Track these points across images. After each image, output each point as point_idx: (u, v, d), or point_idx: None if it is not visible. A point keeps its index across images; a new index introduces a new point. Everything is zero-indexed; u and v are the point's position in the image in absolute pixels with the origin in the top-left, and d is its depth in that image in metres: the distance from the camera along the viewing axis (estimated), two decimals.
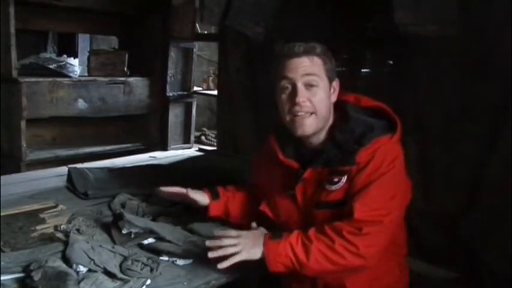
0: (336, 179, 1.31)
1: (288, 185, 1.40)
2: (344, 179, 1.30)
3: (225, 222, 1.57)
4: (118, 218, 1.51)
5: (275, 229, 1.46)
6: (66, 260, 1.29)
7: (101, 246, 1.35)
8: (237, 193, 1.59)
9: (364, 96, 1.40)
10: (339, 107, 1.38)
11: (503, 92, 1.76)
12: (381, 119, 1.34)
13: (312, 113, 1.32)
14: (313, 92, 1.31)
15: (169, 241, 1.43)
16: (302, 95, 1.30)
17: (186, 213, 1.69)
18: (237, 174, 2.05)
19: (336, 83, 1.36)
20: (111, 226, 1.51)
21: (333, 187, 1.31)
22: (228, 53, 2.90)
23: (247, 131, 2.81)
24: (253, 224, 1.41)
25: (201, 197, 1.55)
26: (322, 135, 1.37)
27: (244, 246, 1.28)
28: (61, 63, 3.05)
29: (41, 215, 1.63)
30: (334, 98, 1.37)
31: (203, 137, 4.33)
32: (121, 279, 1.24)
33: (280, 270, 1.28)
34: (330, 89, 1.35)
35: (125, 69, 3.36)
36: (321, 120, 1.35)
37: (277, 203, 1.45)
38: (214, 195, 1.55)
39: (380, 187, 1.27)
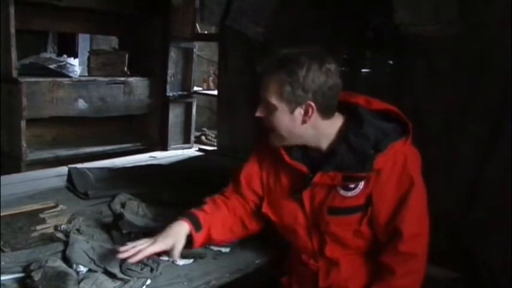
0: (352, 185, 1.28)
1: (294, 188, 1.37)
2: (361, 185, 1.28)
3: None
4: (118, 218, 1.51)
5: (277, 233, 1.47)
6: (66, 260, 1.29)
7: (101, 246, 1.35)
8: (217, 212, 1.41)
9: (374, 98, 1.36)
10: (350, 109, 1.34)
11: (503, 92, 1.76)
12: (391, 122, 1.31)
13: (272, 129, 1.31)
14: (270, 112, 1.28)
15: None
16: (258, 110, 1.30)
17: None
18: None
19: (309, 107, 1.24)
20: (111, 226, 1.52)
21: (349, 193, 1.29)
22: (228, 53, 2.90)
23: (247, 131, 2.81)
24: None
25: (183, 240, 1.31)
26: (327, 140, 1.32)
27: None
28: (61, 63, 3.05)
29: (41, 215, 1.63)
30: (306, 121, 1.27)
31: (203, 137, 4.33)
32: (121, 279, 1.24)
33: None
34: (292, 113, 1.25)
35: (125, 69, 3.36)
36: (286, 139, 1.31)
37: (281, 206, 1.41)
38: (196, 226, 1.34)
39: (418, 198, 1.28)
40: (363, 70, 2.36)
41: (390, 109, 1.34)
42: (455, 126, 1.91)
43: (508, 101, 1.75)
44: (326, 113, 1.28)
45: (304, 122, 1.27)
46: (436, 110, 1.95)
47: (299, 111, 1.26)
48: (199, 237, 1.34)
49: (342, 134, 1.31)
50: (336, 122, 1.32)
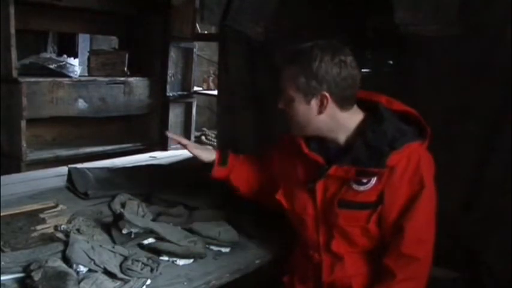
0: (364, 180, 1.30)
1: (309, 179, 1.40)
2: (373, 180, 1.29)
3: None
4: (118, 218, 1.51)
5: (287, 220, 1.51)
6: (66, 260, 1.29)
7: (101, 246, 1.36)
8: (245, 163, 1.65)
9: (395, 99, 1.39)
10: (370, 106, 1.36)
11: (503, 92, 1.76)
12: (410, 124, 1.33)
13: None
14: (288, 103, 1.35)
15: (169, 241, 1.43)
16: (280, 102, 1.37)
17: (186, 213, 1.70)
18: None
19: (324, 97, 1.29)
20: (111, 226, 1.52)
21: (361, 188, 1.31)
22: (228, 53, 2.89)
23: (247, 131, 2.81)
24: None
25: (205, 155, 1.64)
26: (345, 134, 1.34)
27: None
28: (61, 63, 3.04)
29: (41, 215, 1.63)
30: (323, 111, 1.31)
31: (203, 137, 4.33)
32: (121, 279, 1.24)
33: None
34: (308, 104, 1.31)
35: (125, 69, 3.36)
36: (305, 130, 1.36)
37: (294, 194, 1.45)
38: (223, 161, 1.62)
39: (426, 202, 1.29)
40: (362, 70, 2.35)
41: (410, 112, 1.36)
42: (455, 126, 1.91)
43: (508, 101, 1.75)
44: (343, 104, 1.32)
45: (320, 112, 1.32)
46: (436, 110, 1.95)
47: (315, 102, 1.31)
48: (219, 171, 1.61)
49: (360, 129, 1.33)
50: (355, 117, 1.35)
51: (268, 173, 1.61)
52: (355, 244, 1.37)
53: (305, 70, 1.28)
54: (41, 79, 2.86)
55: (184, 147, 1.64)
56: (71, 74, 3.04)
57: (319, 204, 1.38)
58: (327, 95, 1.29)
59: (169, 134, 1.77)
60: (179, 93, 3.54)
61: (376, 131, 1.30)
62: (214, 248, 1.50)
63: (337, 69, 1.27)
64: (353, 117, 1.34)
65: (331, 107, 1.31)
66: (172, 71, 3.46)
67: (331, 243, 1.38)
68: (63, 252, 1.33)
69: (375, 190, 1.30)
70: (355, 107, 1.36)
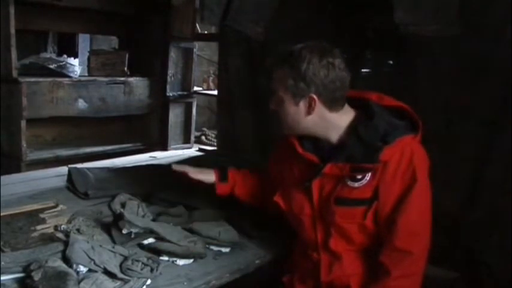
0: (359, 176, 1.30)
1: (305, 178, 1.41)
2: (368, 176, 1.30)
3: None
4: (118, 218, 1.51)
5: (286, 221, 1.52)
6: (66, 260, 1.29)
7: (101, 246, 1.35)
8: (248, 178, 1.66)
9: (386, 95, 1.39)
10: (361, 104, 1.37)
11: (503, 92, 1.76)
12: (402, 119, 1.34)
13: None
14: (278, 104, 1.36)
15: (169, 241, 1.43)
16: (271, 103, 1.39)
17: (186, 213, 1.70)
18: None
19: (312, 99, 1.30)
20: (111, 226, 1.52)
21: (356, 184, 1.31)
22: (228, 53, 2.90)
23: (247, 131, 2.81)
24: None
25: (207, 178, 1.64)
26: (337, 133, 1.35)
27: None
28: (61, 63, 3.05)
29: (41, 215, 1.63)
30: (311, 113, 1.32)
31: (203, 137, 4.33)
32: (121, 279, 1.24)
33: None
34: (297, 105, 1.32)
35: (125, 69, 3.36)
36: (293, 129, 1.38)
37: (291, 195, 1.46)
38: (222, 177, 1.64)
39: (419, 196, 1.28)
40: (363, 70, 2.36)
41: (402, 107, 1.37)
42: (455, 126, 1.91)
43: (508, 101, 1.75)
44: (331, 105, 1.33)
45: (308, 113, 1.33)
46: (436, 110, 1.95)
47: (303, 103, 1.32)
48: (221, 188, 1.63)
49: (352, 127, 1.34)
50: (346, 116, 1.36)
51: (269, 182, 1.61)
52: (353, 242, 1.37)
53: (293, 72, 1.29)
54: (41, 79, 2.87)
55: (186, 175, 1.65)
56: (71, 74, 3.04)
57: (316, 203, 1.39)
58: (315, 97, 1.30)
59: (175, 167, 1.70)
60: (179, 93, 3.54)
61: (368, 126, 1.31)
62: (214, 248, 1.50)
63: (324, 72, 1.27)
64: (343, 117, 1.35)
65: (320, 108, 1.32)
66: (172, 71, 3.46)
67: (329, 241, 1.38)
68: (63, 252, 1.33)
69: (370, 186, 1.30)
70: (346, 106, 1.36)
